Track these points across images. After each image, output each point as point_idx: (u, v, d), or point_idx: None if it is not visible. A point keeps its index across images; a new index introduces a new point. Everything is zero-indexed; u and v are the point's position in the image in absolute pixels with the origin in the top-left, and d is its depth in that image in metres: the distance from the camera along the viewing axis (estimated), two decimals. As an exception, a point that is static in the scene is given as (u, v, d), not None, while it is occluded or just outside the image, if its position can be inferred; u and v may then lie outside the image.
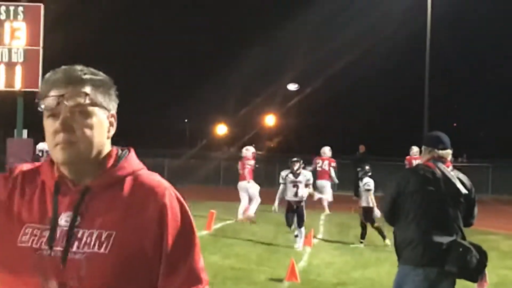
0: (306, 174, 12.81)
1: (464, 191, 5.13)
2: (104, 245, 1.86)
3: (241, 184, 17.13)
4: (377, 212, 13.19)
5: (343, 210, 19.30)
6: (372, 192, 13.41)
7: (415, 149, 19.32)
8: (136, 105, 60.24)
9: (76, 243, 1.87)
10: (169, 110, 58.25)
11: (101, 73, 2.01)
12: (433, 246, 4.97)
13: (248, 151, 17.62)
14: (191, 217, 2.00)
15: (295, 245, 12.47)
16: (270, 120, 54.17)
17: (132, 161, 2.01)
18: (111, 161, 1.98)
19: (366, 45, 48.38)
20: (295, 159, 13.11)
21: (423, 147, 5.45)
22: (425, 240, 5.00)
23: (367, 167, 13.82)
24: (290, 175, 12.79)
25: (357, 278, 10.02)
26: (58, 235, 1.89)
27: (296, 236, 12.61)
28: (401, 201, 5.18)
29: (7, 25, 17.12)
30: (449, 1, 33.81)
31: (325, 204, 19.71)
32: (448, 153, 5.31)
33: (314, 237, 13.76)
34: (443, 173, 5.14)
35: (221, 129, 60.92)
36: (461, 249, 4.94)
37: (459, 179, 5.17)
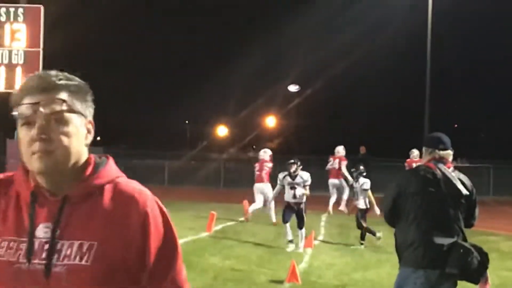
0: (303, 176, 12.74)
1: (465, 192, 5.11)
2: (85, 257, 1.80)
3: (258, 186, 17.08)
4: (377, 210, 13.23)
5: (344, 211, 19.29)
6: (369, 191, 13.42)
7: (415, 152, 19.31)
8: (137, 107, 60.35)
9: (55, 255, 1.81)
10: (170, 112, 58.26)
11: (76, 78, 1.94)
12: (434, 247, 4.95)
13: (266, 154, 17.63)
14: (173, 226, 1.96)
15: (287, 249, 12.40)
16: (270, 121, 54.16)
17: (111, 169, 1.97)
18: (89, 169, 1.92)
19: (366, 46, 48.41)
20: (291, 160, 13.07)
21: (423, 149, 5.43)
22: (425, 242, 4.98)
23: (361, 167, 13.83)
24: (287, 177, 12.75)
25: (357, 280, 10.00)
26: (36, 247, 1.82)
27: (290, 241, 12.52)
28: (402, 202, 5.16)
29: (7, 26, 17.12)
30: (450, 1, 33.79)
31: (331, 203, 19.77)
32: (449, 153, 5.29)
33: (315, 238, 13.74)
34: (443, 174, 5.12)
35: (221, 131, 60.93)
36: (462, 251, 4.92)
37: (460, 180, 5.15)
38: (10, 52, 17.11)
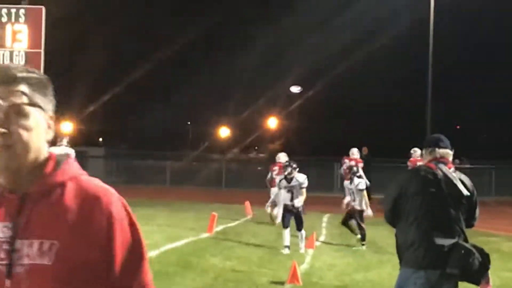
0: (299, 179, 12.68)
1: (465, 192, 5.09)
2: (46, 256, 1.72)
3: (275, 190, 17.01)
4: (370, 211, 13.27)
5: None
6: (364, 192, 13.44)
7: (418, 152, 19.26)
8: (138, 107, 60.35)
9: (16, 255, 1.73)
10: (172, 112, 58.25)
11: (37, 71, 1.86)
12: (435, 248, 4.93)
13: (285, 157, 17.71)
14: (139, 227, 1.88)
15: (283, 251, 12.35)
16: (272, 122, 54.15)
17: (73, 166, 1.87)
18: (50, 166, 1.82)
19: (367, 47, 48.36)
20: (286, 163, 13.05)
21: (423, 150, 5.43)
22: (426, 242, 4.96)
23: (354, 168, 13.86)
24: (283, 181, 12.71)
25: (359, 280, 9.99)
26: None
27: (287, 246, 12.44)
28: (402, 202, 5.15)
29: (8, 27, 17.13)
30: (452, 1, 33.78)
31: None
32: (449, 153, 5.28)
33: (316, 239, 13.73)
34: (444, 174, 5.10)
35: (223, 132, 60.95)
36: (463, 251, 4.90)
37: (460, 181, 5.14)
38: (11, 53, 17.12)
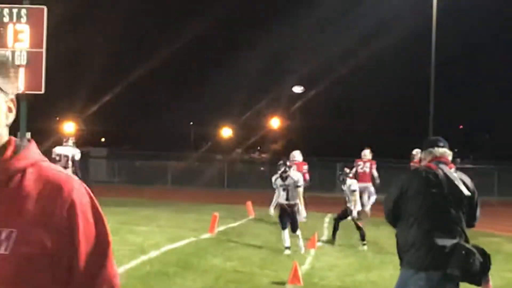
0: (294, 177, 12.65)
1: (467, 192, 5.07)
2: (4, 245, 1.65)
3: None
4: (355, 212, 13.30)
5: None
6: (355, 193, 13.43)
7: (419, 154, 19.21)
8: (140, 108, 60.40)
9: None
10: (174, 113, 58.27)
11: None
12: (436, 249, 4.91)
13: (301, 156, 17.79)
14: (104, 217, 1.80)
15: (285, 252, 12.29)
16: (275, 122, 54.16)
17: (34, 151, 1.80)
18: (9, 151, 1.75)
19: (370, 47, 48.34)
20: (281, 162, 13.03)
21: (422, 152, 5.41)
22: (427, 243, 4.94)
23: (347, 170, 13.88)
24: (279, 179, 12.68)
25: (360, 281, 9.96)
26: None
27: (287, 247, 12.40)
28: (403, 203, 5.14)
29: (10, 27, 17.13)
30: (455, 2, 33.74)
31: (368, 209, 19.58)
32: (448, 153, 5.27)
33: (318, 240, 13.69)
34: (445, 174, 5.09)
35: (226, 132, 60.95)
36: (464, 252, 4.88)
37: (461, 181, 5.11)
38: (13, 53, 17.10)
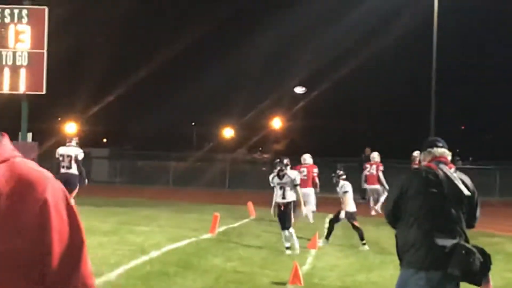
0: (291, 175, 12.63)
1: (466, 192, 5.06)
2: None
3: (305, 191, 16.94)
4: (342, 213, 13.34)
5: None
6: (347, 194, 13.44)
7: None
8: (143, 108, 60.40)
9: None
10: (176, 113, 58.31)
11: None
12: (436, 249, 4.90)
13: (309, 159, 17.92)
14: (78, 214, 1.74)
15: (286, 252, 12.26)
16: (276, 123, 54.16)
17: (6, 147, 1.74)
18: None
19: (372, 48, 48.34)
20: (277, 160, 13.01)
21: (422, 153, 5.41)
22: (427, 243, 4.93)
23: (340, 172, 13.92)
24: (276, 178, 12.66)
25: (361, 281, 9.94)
26: None
27: (288, 248, 12.42)
28: (403, 203, 5.13)
29: (11, 28, 17.14)
30: (456, 2, 33.71)
31: (378, 207, 19.94)
32: (447, 153, 5.27)
33: (319, 240, 13.67)
34: (445, 174, 5.08)
35: (228, 132, 60.96)
36: (464, 252, 4.87)
37: (461, 180, 5.11)
38: (14, 53, 17.12)
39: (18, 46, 17.05)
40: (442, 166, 5.14)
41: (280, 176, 12.57)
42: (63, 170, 15.99)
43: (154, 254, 11.23)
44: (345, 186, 13.57)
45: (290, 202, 12.51)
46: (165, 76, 59.57)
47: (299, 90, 48.63)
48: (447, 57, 40.74)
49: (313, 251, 12.56)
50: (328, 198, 20.26)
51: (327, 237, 13.81)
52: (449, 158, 5.30)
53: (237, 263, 10.95)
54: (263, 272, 10.27)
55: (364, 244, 13.26)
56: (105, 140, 63.20)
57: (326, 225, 17.23)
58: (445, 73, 40.40)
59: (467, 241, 5.03)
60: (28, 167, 1.71)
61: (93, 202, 19.74)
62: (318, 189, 18.39)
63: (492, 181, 31.43)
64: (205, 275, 9.77)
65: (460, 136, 54.33)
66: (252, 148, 61.79)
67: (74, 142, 16.67)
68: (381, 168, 20.54)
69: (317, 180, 18.29)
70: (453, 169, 5.36)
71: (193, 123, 69.08)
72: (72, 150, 16.33)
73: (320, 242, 13.41)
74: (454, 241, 4.93)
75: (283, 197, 12.48)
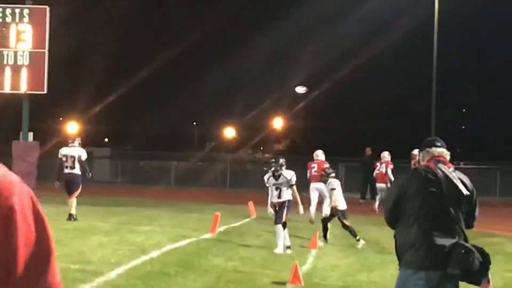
0: (286, 175, 12.59)
1: (465, 192, 5.07)
2: None
3: (316, 185, 17.00)
4: (327, 209, 13.40)
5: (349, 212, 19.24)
6: (335, 191, 13.47)
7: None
8: (144, 108, 60.40)
9: None
10: (177, 113, 58.31)
11: None
12: (435, 248, 4.91)
13: (321, 155, 18.00)
14: (46, 220, 1.70)
15: (286, 251, 12.23)
16: (278, 123, 54.16)
17: None
18: None
19: (373, 48, 48.30)
20: (272, 160, 13.00)
21: (421, 153, 5.42)
22: (427, 243, 4.94)
23: (329, 170, 14.00)
24: (271, 178, 12.64)
25: (362, 281, 9.95)
26: None
27: (288, 247, 12.41)
28: (402, 203, 5.13)
29: (12, 27, 17.15)
30: (456, 2, 33.73)
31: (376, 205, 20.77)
32: (446, 152, 5.28)
33: (319, 239, 13.70)
34: (444, 174, 5.09)
35: (229, 132, 60.96)
36: (463, 251, 4.88)
37: (460, 180, 5.12)
38: (15, 53, 17.14)
39: (19, 45, 17.06)
40: (441, 165, 5.15)
41: (276, 176, 12.54)
42: (66, 170, 16.03)
43: (154, 254, 11.24)
44: (332, 183, 13.64)
45: (285, 201, 12.51)
46: (166, 76, 59.53)
47: (300, 90, 48.66)
48: (447, 57, 40.77)
49: (313, 251, 12.58)
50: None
51: (324, 236, 13.84)
52: (448, 158, 5.32)
53: (238, 263, 10.96)
54: (263, 272, 10.29)
55: (358, 240, 13.30)
56: (106, 140, 63.21)
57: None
58: (446, 73, 40.39)
59: (466, 240, 5.03)
60: None
61: (94, 201, 19.78)
62: None
63: (492, 181, 31.43)
64: (206, 275, 9.78)
65: (460, 136, 54.31)
66: (253, 148, 61.83)
67: (76, 143, 16.70)
68: (391, 166, 20.88)
69: None
70: (451, 169, 5.37)
71: (194, 123, 69.10)
72: (75, 151, 16.36)
73: (320, 243, 13.44)
74: (454, 241, 4.93)
75: (279, 197, 12.48)
